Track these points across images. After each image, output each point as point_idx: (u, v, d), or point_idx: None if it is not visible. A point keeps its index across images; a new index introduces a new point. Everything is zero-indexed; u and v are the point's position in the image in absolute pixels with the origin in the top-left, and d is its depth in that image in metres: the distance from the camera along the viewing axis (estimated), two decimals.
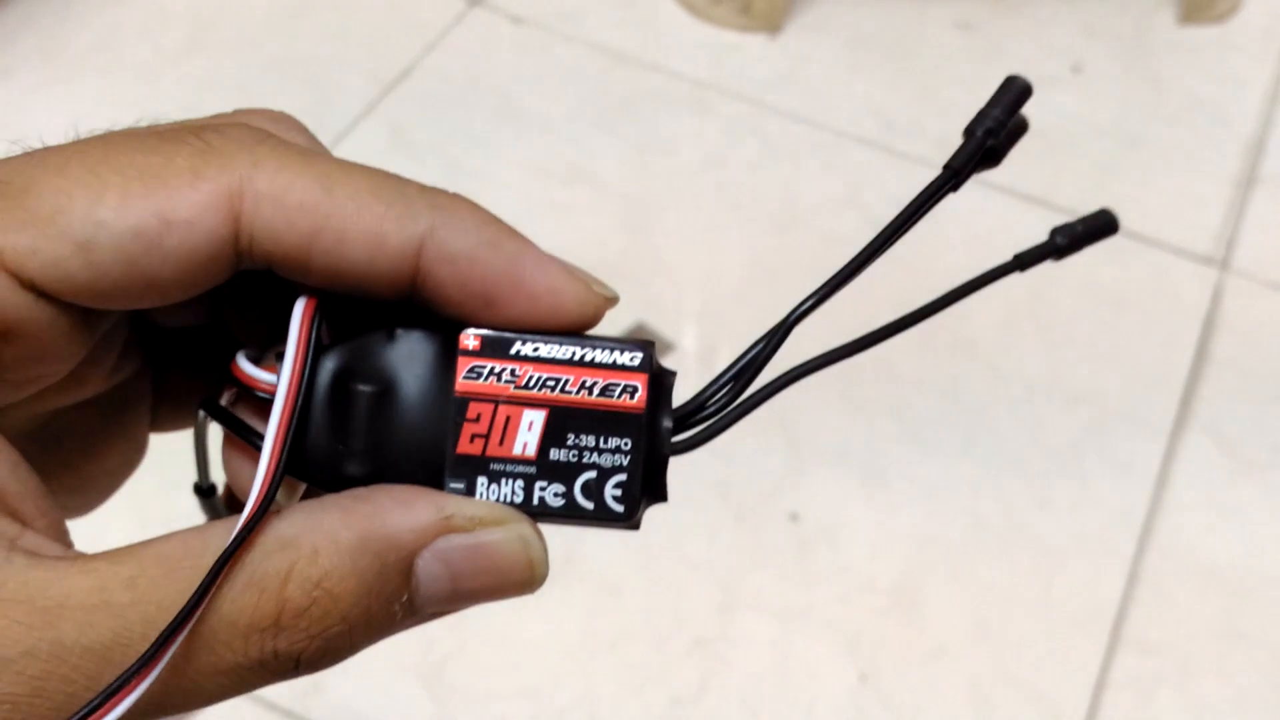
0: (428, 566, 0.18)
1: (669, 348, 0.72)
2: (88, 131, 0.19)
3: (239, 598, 0.17)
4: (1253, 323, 0.75)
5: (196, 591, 0.16)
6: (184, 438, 0.23)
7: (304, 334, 0.18)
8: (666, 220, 0.79)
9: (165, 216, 0.17)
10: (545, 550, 0.19)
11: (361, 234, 0.18)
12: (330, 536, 0.17)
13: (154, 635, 0.16)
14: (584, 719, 0.58)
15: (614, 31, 0.90)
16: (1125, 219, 0.88)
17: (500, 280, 0.19)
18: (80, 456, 0.21)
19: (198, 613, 0.16)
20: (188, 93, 0.85)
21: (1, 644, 0.16)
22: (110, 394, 0.20)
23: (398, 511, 0.18)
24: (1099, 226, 0.24)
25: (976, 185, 0.89)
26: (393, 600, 0.18)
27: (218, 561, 0.16)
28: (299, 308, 0.18)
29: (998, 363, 0.72)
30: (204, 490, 0.22)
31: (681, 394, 0.20)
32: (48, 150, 0.18)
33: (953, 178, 0.23)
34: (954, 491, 0.67)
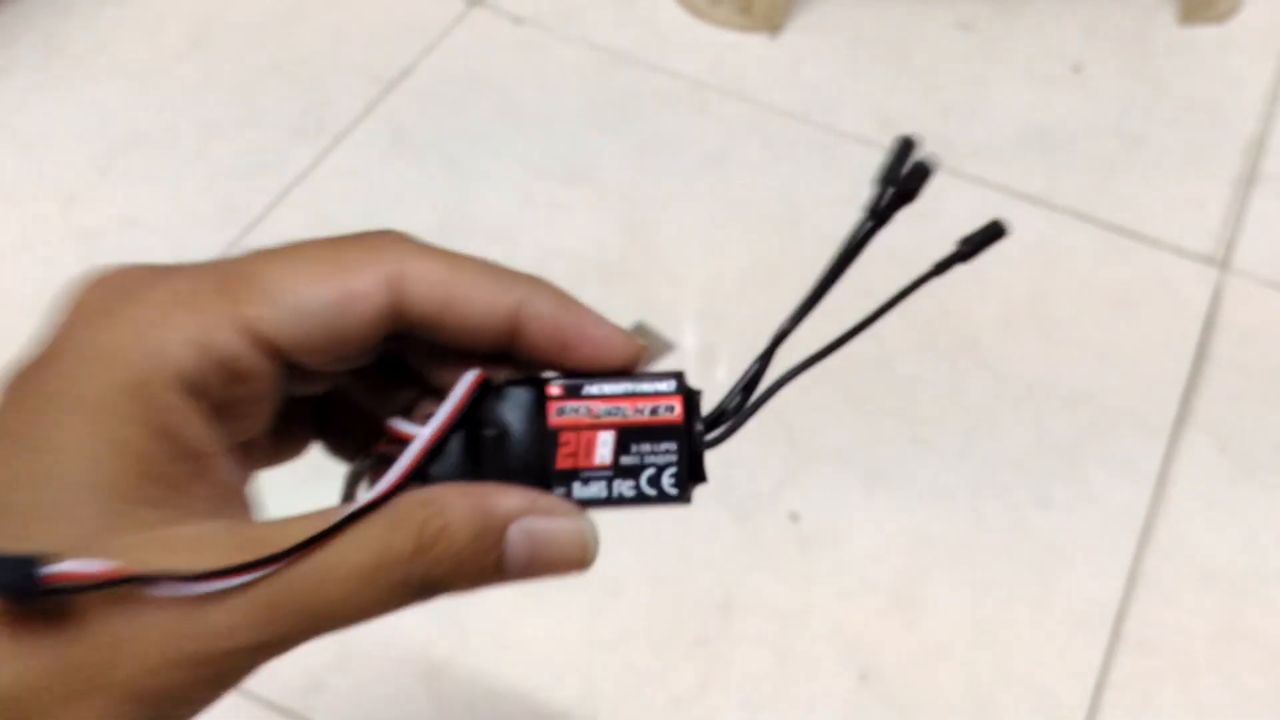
0: (515, 535, 0.25)
1: (669, 348, 0.72)
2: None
3: (391, 532, 0.24)
4: (1253, 323, 0.75)
5: (359, 508, 0.24)
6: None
7: (466, 393, 0.26)
8: (666, 220, 0.79)
9: (351, 292, 0.25)
10: (598, 540, 0.26)
11: (480, 302, 0.26)
12: (453, 502, 0.24)
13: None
14: (584, 719, 0.59)
15: (614, 31, 0.90)
16: (1125, 219, 0.88)
17: (572, 332, 0.26)
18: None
19: (352, 526, 0.24)
20: (188, 93, 0.85)
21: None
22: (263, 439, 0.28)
23: (500, 494, 0.25)
24: (992, 233, 0.29)
25: (976, 185, 0.89)
26: (489, 554, 0.25)
27: (372, 499, 0.24)
28: (467, 379, 0.26)
29: (998, 363, 0.72)
30: None
31: (705, 394, 0.27)
32: (263, 250, 0.25)
33: (875, 220, 0.29)
34: (954, 491, 0.67)
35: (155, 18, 0.90)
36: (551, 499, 0.26)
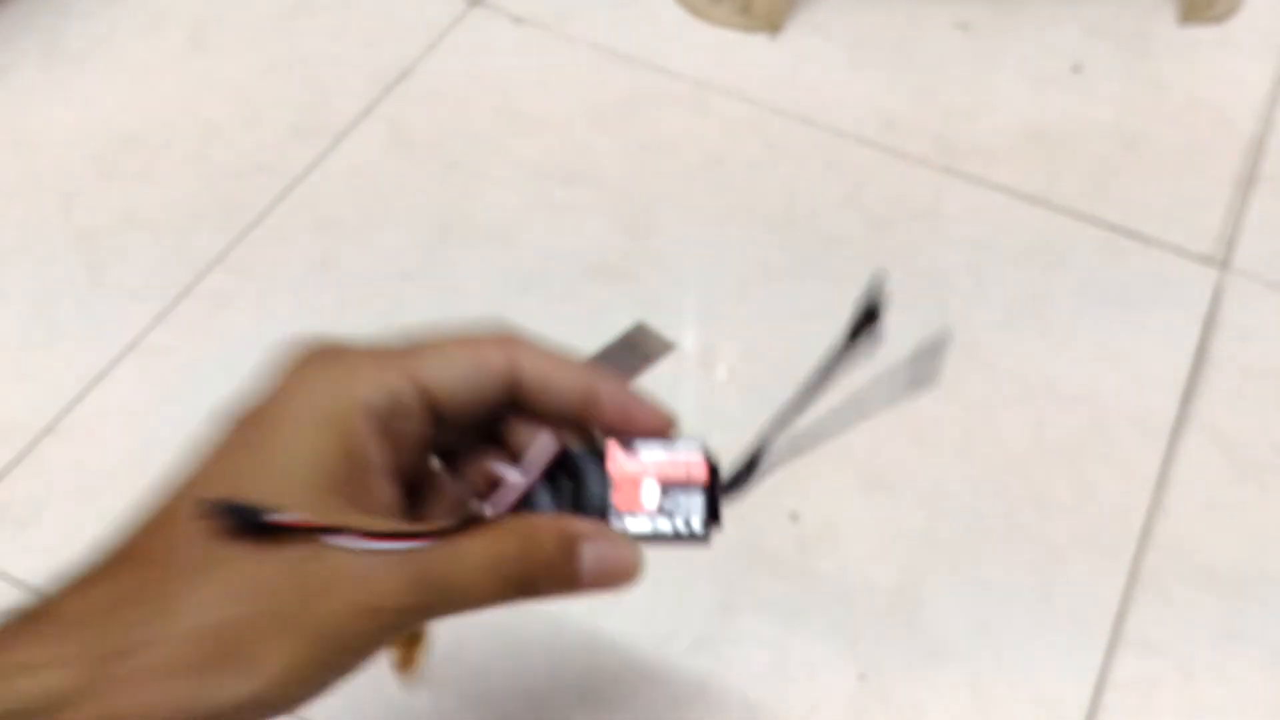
0: (586, 552, 0.33)
1: (669, 348, 0.72)
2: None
3: (505, 539, 0.33)
4: (1253, 323, 0.75)
5: (486, 519, 0.33)
6: None
7: (556, 453, 0.36)
8: (666, 220, 0.79)
9: (486, 365, 0.36)
10: (643, 562, 0.35)
11: (569, 385, 0.36)
12: (545, 524, 0.34)
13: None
14: (585, 719, 0.59)
15: (614, 31, 0.90)
16: (1125, 219, 0.89)
17: (629, 411, 0.37)
18: None
19: (470, 533, 0.33)
20: (188, 93, 0.85)
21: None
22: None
23: (576, 523, 0.34)
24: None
25: (976, 185, 0.89)
26: (568, 564, 0.33)
27: (495, 516, 0.34)
28: (550, 445, 0.36)
29: (998, 363, 0.72)
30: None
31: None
32: (422, 336, 0.36)
33: (850, 342, 0.39)
34: (954, 491, 0.67)
35: (155, 18, 0.90)
36: (611, 530, 0.35)
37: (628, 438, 0.36)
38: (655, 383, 0.74)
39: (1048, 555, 0.65)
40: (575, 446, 0.36)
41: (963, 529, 0.65)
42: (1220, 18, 0.93)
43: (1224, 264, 0.78)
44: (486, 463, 0.37)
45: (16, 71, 0.86)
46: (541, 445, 0.36)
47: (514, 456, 0.37)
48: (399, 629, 0.32)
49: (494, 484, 0.36)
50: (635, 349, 0.73)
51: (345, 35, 0.89)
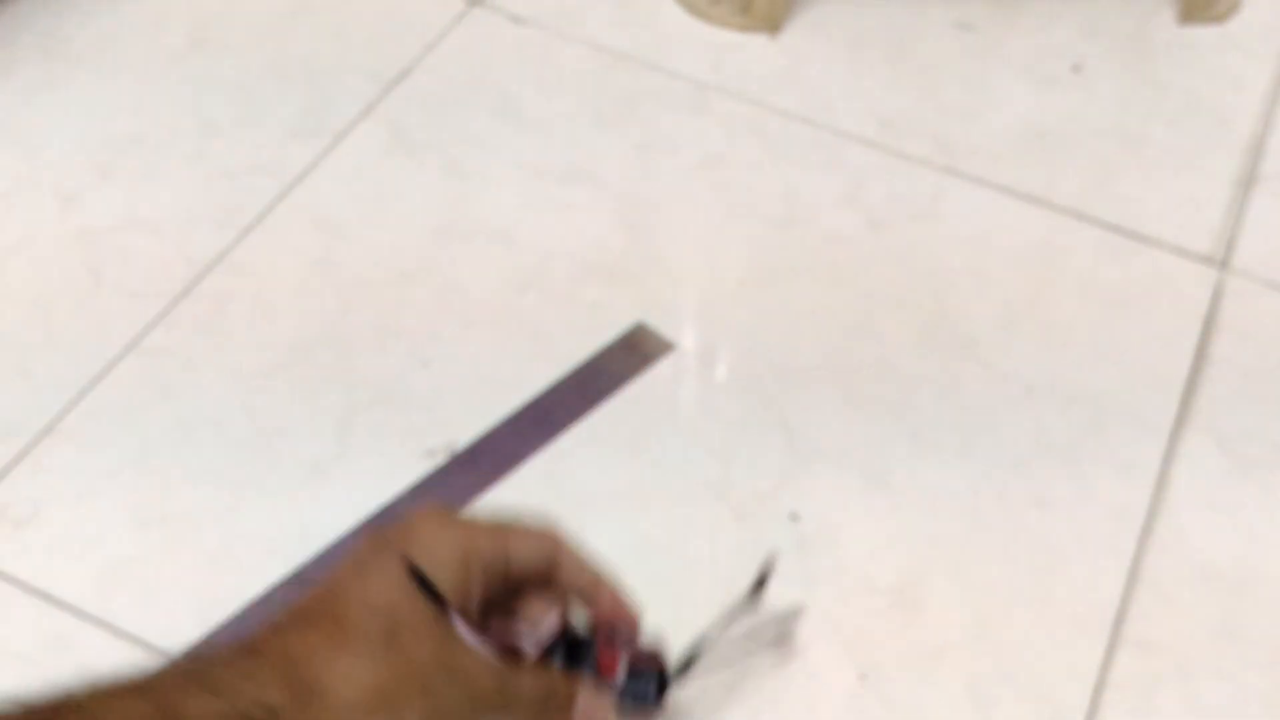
0: (580, 703, 0.49)
1: (669, 348, 0.72)
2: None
3: (539, 679, 0.49)
4: (1253, 323, 0.75)
5: (528, 664, 0.50)
6: None
7: (560, 629, 0.51)
8: (666, 220, 0.79)
9: (544, 553, 0.50)
10: (615, 714, 0.51)
11: (582, 582, 0.51)
12: (559, 677, 0.50)
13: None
14: None
15: (614, 31, 0.90)
16: (1125, 219, 0.89)
17: (617, 611, 0.52)
18: None
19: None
20: (188, 93, 0.85)
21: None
22: None
23: (579, 682, 0.50)
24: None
25: (976, 185, 0.89)
26: (569, 705, 0.49)
27: (531, 662, 0.50)
28: (554, 623, 0.51)
29: (998, 363, 0.72)
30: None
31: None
32: (505, 523, 0.50)
33: (753, 594, 0.57)
34: (954, 491, 0.67)
35: (155, 17, 0.90)
36: (594, 689, 0.50)
37: (611, 627, 0.51)
38: (655, 382, 0.74)
39: (1048, 555, 0.65)
40: (576, 620, 0.51)
41: (963, 529, 0.65)
42: (1220, 18, 0.93)
43: (1224, 264, 0.78)
44: (520, 621, 0.50)
45: (16, 71, 0.86)
46: (551, 620, 0.50)
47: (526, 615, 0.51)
48: (481, 714, 0.46)
49: (523, 629, 0.50)
50: (635, 349, 0.73)
51: (345, 35, 0.89)
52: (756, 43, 0.90)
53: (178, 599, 0.61)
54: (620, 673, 0.50)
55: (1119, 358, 0.73)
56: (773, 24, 0.91)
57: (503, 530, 0.49)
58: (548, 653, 0.49)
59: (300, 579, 0.61)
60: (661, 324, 0.73)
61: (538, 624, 0.50)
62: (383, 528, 0.48)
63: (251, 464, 0.66)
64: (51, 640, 0.60)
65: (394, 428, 0.68)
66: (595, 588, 0.51)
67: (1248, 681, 0.61)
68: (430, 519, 0.48)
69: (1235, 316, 0.75)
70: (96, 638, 0.60)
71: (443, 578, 0.45)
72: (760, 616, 0.59)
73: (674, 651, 0.54)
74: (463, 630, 0.45)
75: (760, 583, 0.56)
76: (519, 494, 0.65)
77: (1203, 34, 0.92)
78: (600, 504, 0.65)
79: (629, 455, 0.67)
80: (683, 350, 0.72)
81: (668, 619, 0.61)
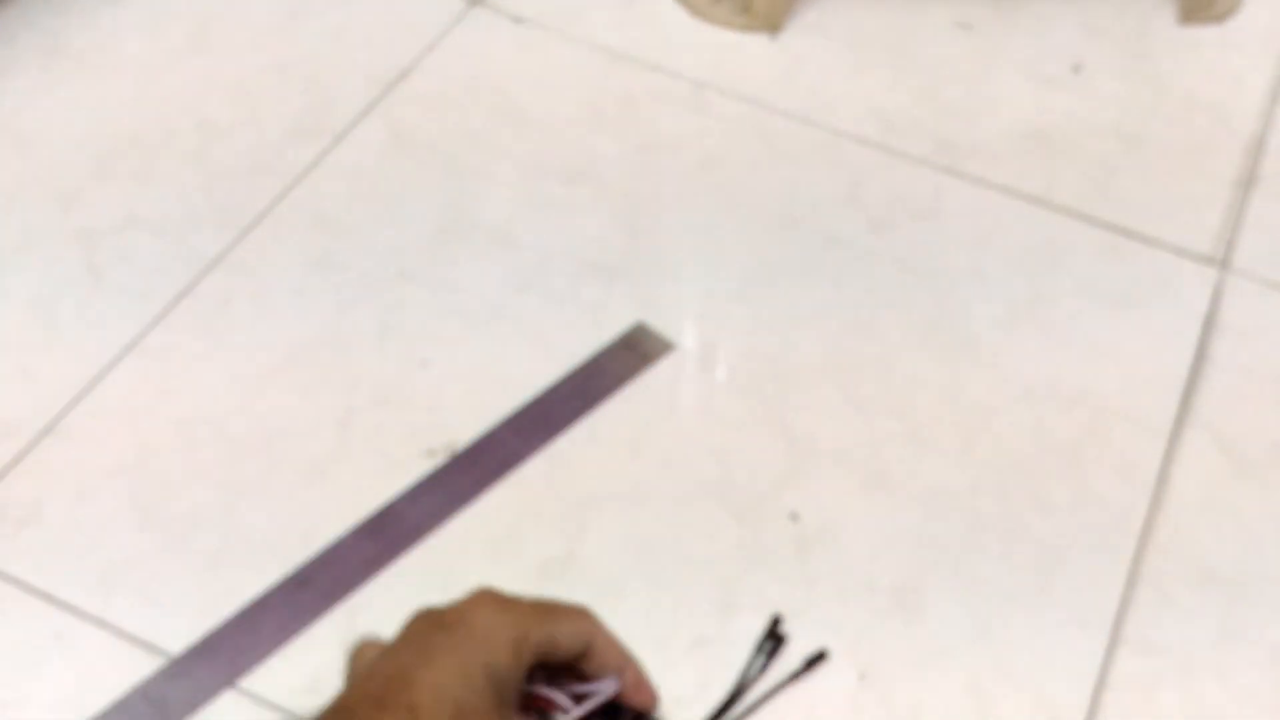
0: None
1: (669, 348, 0.72)
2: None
3: None
4: (1253, 323, 0.75)
5: None
6: None
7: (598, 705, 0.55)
8: (666, 220, 0.79)
9: (583, 637, 0.53)
10: None
11: (612, 665, 0.55)
12: None
13: None
14: None
15: (614, 31, 0.90)
16: (1125, 219, 0.89)
17: (642, 695, 0.56)
18: None
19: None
20: (188, 93, 0.85)
21: None
22: None
23: None
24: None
25: (976, 185, 0.89)
26: None
27: None
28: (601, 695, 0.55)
29: (998, 363, 0.72)
30: None
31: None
32: (549, 607, 0.53)
33: (764, 653, 0.60)
34: (954, 491, 0.67)
35: (155, 18, 0.90)
36: None
37: (636, 710, 0.55)
38: (655, 382, 0.74)
39: (1048, 555, 0.65)
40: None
41: (963, 529, 0.65)
42: (1220, 18, 0.93)
43: (1224, 264, 0.78)
44: (559, 693, 0.53)
45: (16, 71, 0.86)
46: (609, 686, 0.54)
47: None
48: None
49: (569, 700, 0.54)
50: (635, 349, 0.73)
51: (345, 35, 0.89)
52: (756, 43, 0.90)
53: (178, 599, 0.61)
54: None
55: (1119, 358, 0.73)
56: (773, 24, 0.91)
57: (549, 614, 0.52)
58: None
59: (300, 578, 0.62)
60: (661, 324, 0.73)
61: (595, 693, 0.54)
62: (437, 610, 0.50)
63: (251, 464, 0.66)
64: (51, 640, 0.60)
65: (394, 428, 0.68)
66: (625, 667, 0.54)
67: (1248, 681, 0.61)
68: (486, 605, 0.50)
69: (1235, 316, 0.75)
70: (96, 638, 0.60)
71: (500, 663, 0.49)
72: (779, 674, 0.60)
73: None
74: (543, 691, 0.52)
75: (775, 639, 0.60)
76: (519, 494, 0.65)
77: (1203, 34, 0.92)
78: (600, 504, 0.65)
79: (629, 455, 0.67)
80: (683, 350, 0.72)
81: (668, 619, 0.61)
